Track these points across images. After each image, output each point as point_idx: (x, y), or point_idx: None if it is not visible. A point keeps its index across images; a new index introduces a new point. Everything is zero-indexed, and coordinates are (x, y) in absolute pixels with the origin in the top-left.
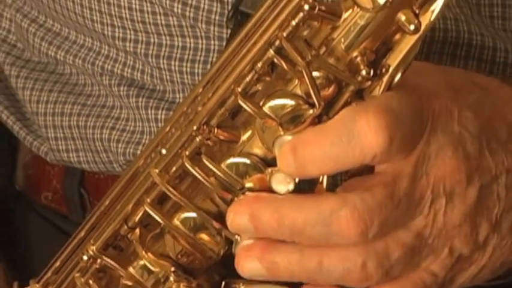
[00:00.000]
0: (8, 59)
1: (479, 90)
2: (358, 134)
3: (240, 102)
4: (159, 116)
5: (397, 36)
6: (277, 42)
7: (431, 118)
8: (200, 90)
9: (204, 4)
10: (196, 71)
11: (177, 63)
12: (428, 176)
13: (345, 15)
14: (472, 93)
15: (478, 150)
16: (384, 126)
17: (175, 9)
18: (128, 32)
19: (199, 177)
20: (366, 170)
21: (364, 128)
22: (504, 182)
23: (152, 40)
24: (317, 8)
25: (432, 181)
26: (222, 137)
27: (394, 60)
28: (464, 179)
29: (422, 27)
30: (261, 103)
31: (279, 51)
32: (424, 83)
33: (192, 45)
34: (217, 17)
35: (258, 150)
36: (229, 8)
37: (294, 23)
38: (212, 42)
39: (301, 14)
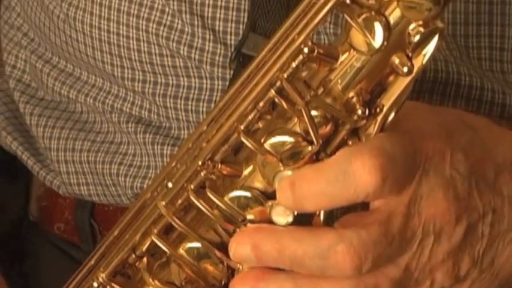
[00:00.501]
0: (23, 97)
1: (469, 131)
2: (353, 174)
3: (243, 139)
4: (164, 151)
5: (391, 78)
6: (278, 83)
7: (424, 160)
8: (205, 127)
9: (209, 47)
10: (200, 109)
11: (182, 101)
12: (420, 215)
13: (341, 58)
14: (463, 135)
15: (467, 191)
16: (377, 168)
17: (182, 52)
18: (137, 72)
19: (203, 209)
20: (361, 204)
21: (359, 169)
22: (489, 221)
23: (159, 80)
24: (316, 51)
25: (423, 220)
26: (225, 172)
27: (388, 100)
28: (453, 219)
29: (415, 70)
30: (262, 140)
31: (280, 92)
32: (418, 125)
33: (197, 85)
34: (221, 59)
35: (259, 184)
36: (232, 50)
37: (294, 64)
38: (216, 82)
39: (300, 57)
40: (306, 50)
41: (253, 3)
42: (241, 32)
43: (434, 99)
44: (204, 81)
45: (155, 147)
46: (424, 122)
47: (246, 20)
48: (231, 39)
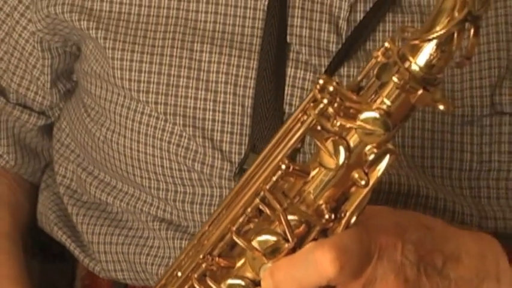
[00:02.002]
0: (71, 200)
1: (423, 229)
2: (316, 263)
3: (234, 238)
4: (182, 245)
5: (353, 189)
6: (261, 193)
7: (378, 250)
8: (206, 228)
9: (218, 164)
10: (212, 212)
11: (197, 206)
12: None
13: (313, 173)
14: (416, 231)
15: (416, 274)
16: (335, 257)
17: (196, 168)
18: (161, 183)
19: None
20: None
21: (321, 259)
22: None
23: (179, 189)
24: (291, 167)
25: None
26: (222, 264)
27: (350, 207)
28: None
29: (371, 183)
30: (251, 238)
31: (263, 200)
32: (377, 223)
33: (209, 192)
34: (227, 173)
35: (249, 274)
36: (236, 166)
37: (274, 178)
38: (224, 190)
39: (279, 172)
40: (283, 166)
41: (253, 129)
42: (243, 152)
43: (399, 207)
44: (214, 190)
45: (175, 241)
46: (383, 221)
47: (247, 142)
48: (235, 158)
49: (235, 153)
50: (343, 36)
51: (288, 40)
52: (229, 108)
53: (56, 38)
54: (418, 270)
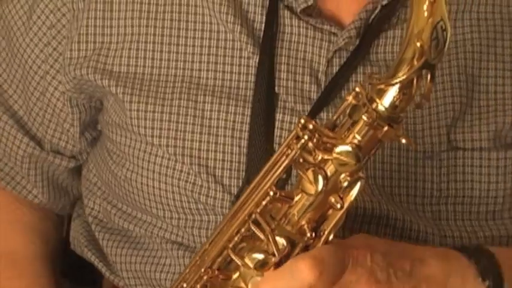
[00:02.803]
0: (97, 227)
1: (388, 242)
2: (298, 271)
3: (230, 254)
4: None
5: (330, 211)
6: (253, 216)
7: (351, 260)
8: (206, 246)
9: (219, 196)
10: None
11: (204, 231)
12: None
13: (296, 198)
14: (384, 245)
15: (386, 277)
16: (313, 265)
17: (202, 200)
18: (173, 214)
19: None
20: None
21: (302, 267)
22: None
23: (188, 217)
24: (278, 194)
25: None
26: (220, 277)
27: (328, 226)
28: None
29: (345, 206)
30: (244, 255)
31: (255, 222)
32: (349, 241)
33: (213, 219)
34: (227, 203)
35: (243, 285)
36: (235, 196)
37: (263, 203)
38: None
39: (268, 197)
40: (271, 193)
41: (248, 165)
42: (240, 184)
43: (372, 227)
44: (218, 217)
45: (185, 260)
46: (355, 240)
47: (243, 176)
48: (234, 190)
49: (233, 186)
50: (322, 86)
51: (276, 90)
52: (228, 148)
53: (82, 95)
54: (388, 273)
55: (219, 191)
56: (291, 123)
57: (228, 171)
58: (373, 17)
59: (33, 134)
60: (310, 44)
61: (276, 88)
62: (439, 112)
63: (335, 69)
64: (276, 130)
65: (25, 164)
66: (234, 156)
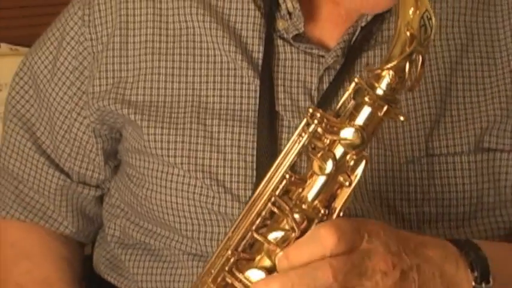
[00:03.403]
0: (117, 245)
1: (395, 229)
2: (320, 236)
3: (255, 235)
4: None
5: (339, 190)
6: (273, 199)
7: (367, 232)
8: (230, 234)
9: (230, 204)
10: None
11: (215, 242)
12: (370, 260)
13: (309, 181)
14: (391, 228)
15: (397, 251)
16: (333, 231)
17: (215, 209)
18: (189, 226)
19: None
20: None
21: (323, 232)
22: (416, 271)
23: (201, 229)
24: (293, 177)
25: (373, 263)
26: (246, 257)
27: (338, 203)
28: (391, 265)
29: (353, 183)
30: (267, 234)
31: (274, 203)
32: (362, 219)
33: (224, 230)
34: (237, 210)
35: (266, 264)
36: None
37: (281, 186)
38: None
39: (284, 181)
40: (287, 176)
41: (256, 176)
42: (249, 194)
43: None
44: (228, 228)
45: (198, 269)
46: (367, 219)
47: (251, 186)
48: (243, 199)
49: (242, 196)
50: (315, 101)
51: (276, 109)
52: (235, 163)
53: (104, 127)
54: (398, 248)
55: (229, 200)
56: (290, 133)
57: (236, 183)
58: (354, 38)
59: (62, 167)
60: (302, 66)
61: (276, 107)
62: (417, 123)
63: (325, 85)
64: (278, 141)
65: (57, 196)
66: (241, 170)
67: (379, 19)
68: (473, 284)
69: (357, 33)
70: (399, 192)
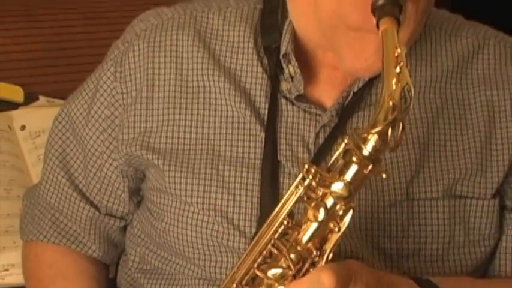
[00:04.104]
0: (137, 270)
1: (372, 269)
2: (321, 278)
3: (256, 271)
4: None
5: (329, 234)
6: (272, 241)
7: (354, 275)
8: (235, 269)
9: (237, 239)
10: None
11: (224, 270)
12: None
13: (303, 226)
14: (368, 269)
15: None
16: (333, 275)
17: (224, 243)
18: (201, 256)
19: None
20: None
21: (324, 275)
22: None
23: (212, 258)
24: (290, 223)
25: None
26: None
27: (328, 246)
28: None
29: (342, 229)
30: (267, 271)
31: (273, 245)
32: (348, 263)
33: (232, 260)
34: (243, 245)
35: None
36: (250, 239)
37: (280, 230)
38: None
39: (282, 226)
40: (285, 222)
41: (260, 215)
42: (253, 230)
43: None
44: (235, 258)
45: None
46: (351, 262)
47: (256, 224)
48: (249, 234)
49: (248, 232)
50: (312, 153)
51: (278, 158)
52: (242, 204)
53: (130, 168)
54: (376, 286)
55: (237, 236)
56: (290, 179)
57: (243, 221)
58: (347, 102)
59: (92, 200)
60: (302, 123)
61: (278, 156)
62: (399, 172)
63: (321, 140)
64: (279, 186)
65: (87, 225)
66: (247, 209)
67: (368, 85)
68: None
69: (349, 97)
70: (382, 230)
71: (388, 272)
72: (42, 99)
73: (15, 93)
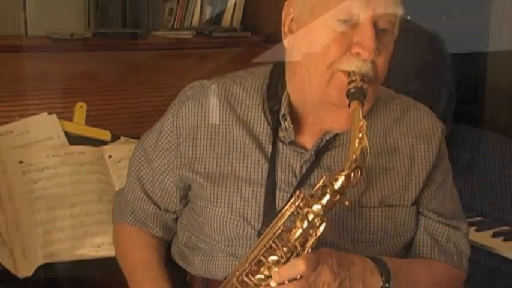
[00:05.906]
0: (184, 245)
1: (339, 253)
2: (297, 265)
3: (261, 257)
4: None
5: (309, 237)
6: (272, 239)
7: (321, 260)
8: (248, 255)
9: (249, 230)
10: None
11: (240, 248)
12: (321, 276)
13: (293, 231)
14: (336, 253)
15: (337, 269)
16: (305, 262)
17: (240, 232)
18: (225, 239)
19: None
20: None
21: (299, 263)
22: (348, 281)
23: (233, 242)
24: (285, 228)
25: (322, 279)
26: (255, 269)
27: (308, 244)
28: (333, 279)
29: (317, 235)
30: (268, 258)
31: (273, 241)
32: (320, 251)
33: (243, 244)
34: (253, 234)
35: (266, 273)
36: (257, 231)
37: (277, 232)
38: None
39: (279, 230)
40: (281, 227)
41: (264, 217)
42: (260, 224)
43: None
44: (246, 241)
45: (229, 261)
46: (323, 250)
47: (261, 220)
48: (257, 227)
49: (257, 226)
50: (298, 178)
51: (276, 180)
52: (253, 207)
53: (181, 182)
54: (338, 267)
55: (249, 228)
56: (284, 200)
57: (253, 219)
58: (321, 145)
59: (155, 201)
60: (292, 158)
61: (276, 179)
62: (355, 189)
63: (304, 170)
64: (276, 197)
65: (152, 216)
66: (256, 211)
67: (335, 135)
68: (381, 284)
69: (323, 142)
70: (347, 226)
71: (353, 254)
72: (122, 139)
73: (105, 135)
